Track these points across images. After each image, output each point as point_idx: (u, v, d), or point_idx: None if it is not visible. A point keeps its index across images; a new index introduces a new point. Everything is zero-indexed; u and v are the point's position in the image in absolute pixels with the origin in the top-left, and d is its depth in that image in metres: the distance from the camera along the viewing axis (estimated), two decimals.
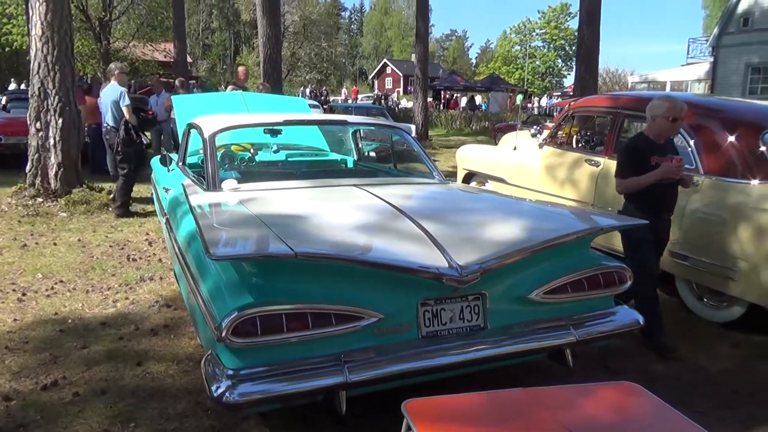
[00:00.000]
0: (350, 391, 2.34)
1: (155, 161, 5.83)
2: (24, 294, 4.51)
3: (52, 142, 7.55)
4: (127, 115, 7.31)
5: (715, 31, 25.28)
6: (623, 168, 3.58)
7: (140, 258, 5.56)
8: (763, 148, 3.97)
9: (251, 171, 4.49)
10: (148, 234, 6.50)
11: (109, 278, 4.94)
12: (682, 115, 3.61)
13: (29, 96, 7.59)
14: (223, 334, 2.22)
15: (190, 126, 4.40)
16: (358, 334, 2.42)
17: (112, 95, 7.51)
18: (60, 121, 7.50)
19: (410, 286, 2.49)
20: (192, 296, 2.78)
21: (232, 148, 4.93)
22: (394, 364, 2.42)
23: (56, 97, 7.46)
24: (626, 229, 3.62)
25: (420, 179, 4.10)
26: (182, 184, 3.89)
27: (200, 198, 3.40)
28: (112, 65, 7.92)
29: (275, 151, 5.01)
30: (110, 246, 5.96)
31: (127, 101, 7.35)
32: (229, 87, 8.29)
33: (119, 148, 7.35)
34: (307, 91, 35.19)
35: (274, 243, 2.45)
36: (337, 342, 2.40)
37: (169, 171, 4.72)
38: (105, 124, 7.64)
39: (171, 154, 4.88)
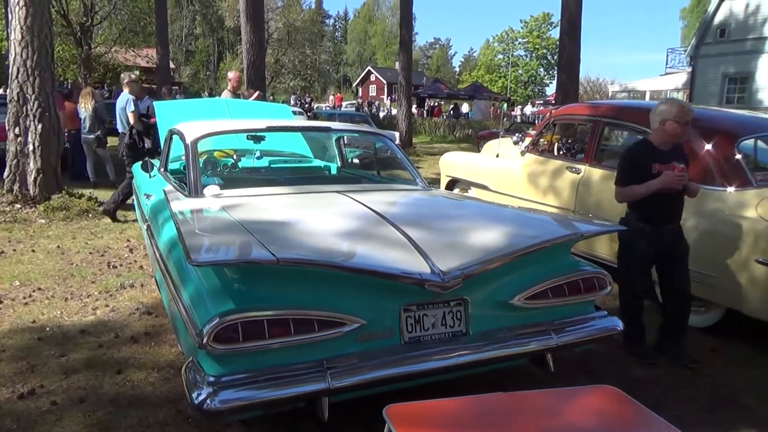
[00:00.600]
0: (333, 398, 2.35)
1: (136, 167, 5.82)
2: (1, 302, 4.45)
3: (31, 147, 7.47)
4: (132, 121, 7.51)
5: (693, 41, 25.82)
6: (622, 175, 3.48)
7: (121, 265, 5.51)
8: (738, 156, 4.05)
9: (234, 177, 4.48)
10: (129, 241, 6.45)
11: (89, 285, 4.89)
12: (690, 118, 3.48)
13: (8, 101, 7.49)
14: (204, 340, 2.21)
15: (172, 132, 4.39)
16: (341, 340, 2.43)
17: (121, 103, 7.91)
18: (39, 126, 7.43)
19: (393, 292, 2.51)
20: (173, 303, 2.77)
21: (215, 154, 4.91)
22: (377, 370, 2.43)
23: (35, 103, 7.38)
24: (621, 237, 3.65)
25: (403, 186, 4.13)
26: (164, 190, 3.88)
27: (182, 204, 3.38)
28: (122, 75, 8.32)
29: (258, 158, 5.01)
30: (90, 253, 5.90)
31: (132, 107, 7.61)
32: (224, 93, 8.27)
33: (125, 153, 7.51)
34: (292, 99, 35.14)
35: (256, 249, 2.44)
36: (319, 348, 2.40)
37: (150, 177, 4.69)
38: (119, 131, 7.97)
39: (152, 160, 4.84)
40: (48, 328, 3.98)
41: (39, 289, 4.78)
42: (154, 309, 4.36)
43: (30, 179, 7.53)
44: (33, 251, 5.87)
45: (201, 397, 2.22)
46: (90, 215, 7.43)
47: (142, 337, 3.86)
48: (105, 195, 8.93)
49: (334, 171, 5.29)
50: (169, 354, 3.62)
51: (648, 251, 3.51)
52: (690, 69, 26.02)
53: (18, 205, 7.40)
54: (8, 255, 5.70)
